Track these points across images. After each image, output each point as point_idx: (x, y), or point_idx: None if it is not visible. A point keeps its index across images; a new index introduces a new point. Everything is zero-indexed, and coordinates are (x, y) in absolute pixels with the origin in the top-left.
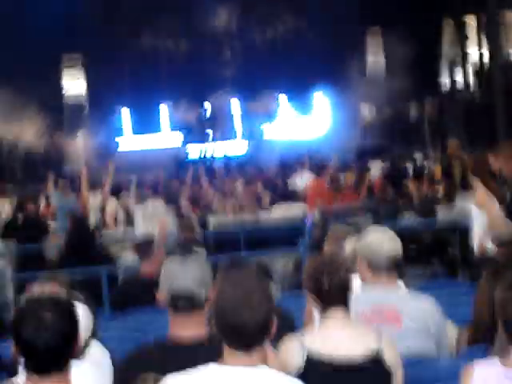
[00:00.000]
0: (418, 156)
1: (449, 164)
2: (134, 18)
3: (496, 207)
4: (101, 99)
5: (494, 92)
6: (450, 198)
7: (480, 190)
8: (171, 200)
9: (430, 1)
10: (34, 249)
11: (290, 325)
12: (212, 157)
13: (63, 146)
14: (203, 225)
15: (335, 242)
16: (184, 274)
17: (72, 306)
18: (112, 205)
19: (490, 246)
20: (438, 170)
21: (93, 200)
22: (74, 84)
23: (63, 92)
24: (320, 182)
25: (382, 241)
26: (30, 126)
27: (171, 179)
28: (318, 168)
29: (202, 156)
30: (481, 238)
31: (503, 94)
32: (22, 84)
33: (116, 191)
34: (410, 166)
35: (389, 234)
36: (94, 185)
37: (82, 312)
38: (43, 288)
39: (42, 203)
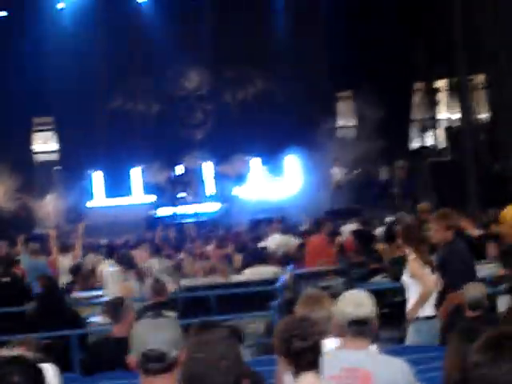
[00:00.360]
0: (388, 219)
1: (421, 227)
2: (105, 80)
3: (430, 276)
4: (72, 162)
5: (464, 153)
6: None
7: (413, 260)
8: (129, 264)
9: (401, 65)
10: (13, 311)
11: None
12: (182, 217)
13: (33, 207)
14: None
15: (308, 304)
16: (155, 335)
17: (39, 367)
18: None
19: (428, 312)
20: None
21: (63, 261)
22: (44, 146)
23: (34, 154)
24: (320, 239)
25: (356, 305)
26: (1, 186)
27: (139, 241)
28: (316, 224)
29: (172, 216)
30: (413, 305)
31: (473, 155)
32: None
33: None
34: (380, 229)
35: (363, 298)
36: (65, 246)
37: (51, 373)
38: (11, 351)
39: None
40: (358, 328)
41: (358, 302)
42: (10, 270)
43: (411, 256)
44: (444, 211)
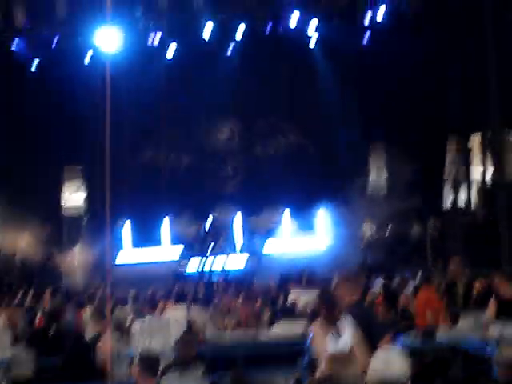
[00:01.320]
0: (419, 276)
1: (451, 283)
2: (136, 130)
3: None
4: (100, 211)
5: (497, 212)
6: (451, 318)
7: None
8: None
9: (435, 119)
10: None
11: None
12: (211, 271)
13: (61, 258)
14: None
15: (335, 363)
16: None
17: None
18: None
19: None
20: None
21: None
22: (73, 196)
23: (63, 203)
24: (430, 291)
25: (390, 363)
26: (29, 236)
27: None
28: (426, 277)
29: (201, 270)
30: None
31: (507, 213)
32: (21, 194)
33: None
34: (411, 286)
35: (397, 357)
36: (91, 298)
37: None
38: None
39: (38, 316)
40: None
41: (391, 361)
42: (54, 322)
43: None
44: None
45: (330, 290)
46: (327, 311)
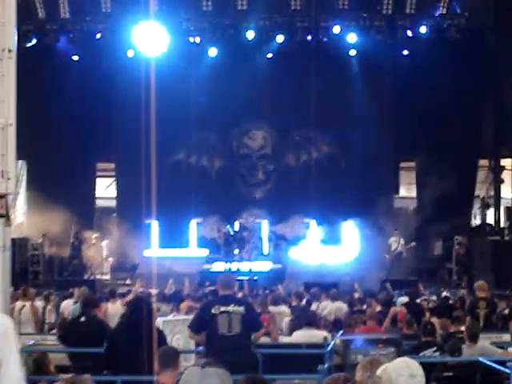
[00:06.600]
0: (444, 293)
1: (475, 305)
2: (170, 132)
3: None
4: (129, 209)
5: None
6: (473, 338)
7: None
8: None
9: (467, 140)
10: (88, 351)
11: None
12: (236, 274)
13: (89, 251)
14: None
15: (367, 368)
16: None
17: None
18: None
19: None
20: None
21: (111, 309)
22: (105, 192)
23: (94, 199)
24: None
25: (401, 375)
26: (59, 228)
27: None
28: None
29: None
30: None
31: None
32: (54, 187)
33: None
34: (434, 303)
35: (411, 369)
36: (114, 293)
37: None
38: None
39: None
40: None
41: (411, 373)
42: (88, 310)
43: None
44: None
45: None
46: None
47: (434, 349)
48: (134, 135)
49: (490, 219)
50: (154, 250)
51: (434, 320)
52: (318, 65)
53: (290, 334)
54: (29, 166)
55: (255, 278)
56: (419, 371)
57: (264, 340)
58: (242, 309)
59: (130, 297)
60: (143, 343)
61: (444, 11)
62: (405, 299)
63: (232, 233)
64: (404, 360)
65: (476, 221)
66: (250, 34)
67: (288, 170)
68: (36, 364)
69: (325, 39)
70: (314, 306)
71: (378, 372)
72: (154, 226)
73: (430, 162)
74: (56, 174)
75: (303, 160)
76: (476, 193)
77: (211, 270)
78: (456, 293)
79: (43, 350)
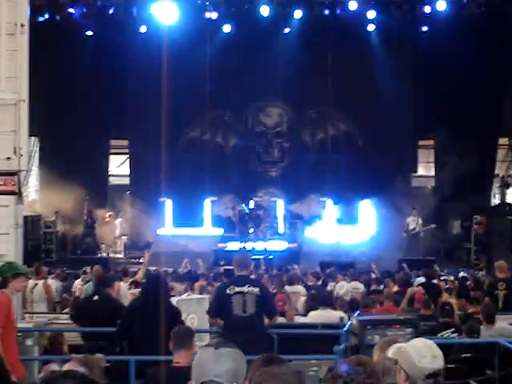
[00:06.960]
0: (462, 274)
1: (494, 285)
2: (184, 109)
3: None
4: (143, 187)
5: None
6: (489, 319)
7: None
8: None
9: (487, 118)
10: (100, 331)
11: None
12: (251, 253)
13: (102, 229)
14: None
15: (384, 349)
16: (216, 365)
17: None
18: None
19: None
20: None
21: (123, 286)
22: (118, 170)
23: (107, 175)
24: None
25: (424, 356)
26: (72, 205)
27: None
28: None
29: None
30: None
31: None
32: (67, 162)
33: None
34: (452, 283)
35: (432, 350)
36: (125, 272)
37: None
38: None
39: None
40: (434, 381)
41: (434, 354)
42: (101, 289)
43: None
44: None
45: None
46: None
47: (452, 330)
48: (148, 112)
49: (510, 198)
50: (167, 228)
51: (452, 301)
52: (335, 40)
53: (305, 314)
54: (41, 142)
55: (270, 257)
56: (439, 352)
57: (279, 320)
58: (256, 290)
59: (139, 272)
60: (160, 319)
61: None
62: (422, 279)
63: (247, 211)
64: (423, 341)
65: (495, 200)
66: (266, 10)
67: (304, 148)
68: (50, 343)
69: (343, 14)
70: (330, 286)
71: (390, 353)
72: (168, 204)
73: (449, 140)
74: (69, 150)
75: (319, 137)
76: (495, 171)
77: (226, 249)
78: (474, 273)
79: (57, 330)
